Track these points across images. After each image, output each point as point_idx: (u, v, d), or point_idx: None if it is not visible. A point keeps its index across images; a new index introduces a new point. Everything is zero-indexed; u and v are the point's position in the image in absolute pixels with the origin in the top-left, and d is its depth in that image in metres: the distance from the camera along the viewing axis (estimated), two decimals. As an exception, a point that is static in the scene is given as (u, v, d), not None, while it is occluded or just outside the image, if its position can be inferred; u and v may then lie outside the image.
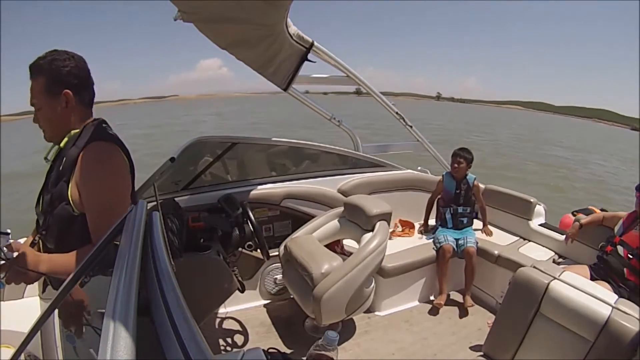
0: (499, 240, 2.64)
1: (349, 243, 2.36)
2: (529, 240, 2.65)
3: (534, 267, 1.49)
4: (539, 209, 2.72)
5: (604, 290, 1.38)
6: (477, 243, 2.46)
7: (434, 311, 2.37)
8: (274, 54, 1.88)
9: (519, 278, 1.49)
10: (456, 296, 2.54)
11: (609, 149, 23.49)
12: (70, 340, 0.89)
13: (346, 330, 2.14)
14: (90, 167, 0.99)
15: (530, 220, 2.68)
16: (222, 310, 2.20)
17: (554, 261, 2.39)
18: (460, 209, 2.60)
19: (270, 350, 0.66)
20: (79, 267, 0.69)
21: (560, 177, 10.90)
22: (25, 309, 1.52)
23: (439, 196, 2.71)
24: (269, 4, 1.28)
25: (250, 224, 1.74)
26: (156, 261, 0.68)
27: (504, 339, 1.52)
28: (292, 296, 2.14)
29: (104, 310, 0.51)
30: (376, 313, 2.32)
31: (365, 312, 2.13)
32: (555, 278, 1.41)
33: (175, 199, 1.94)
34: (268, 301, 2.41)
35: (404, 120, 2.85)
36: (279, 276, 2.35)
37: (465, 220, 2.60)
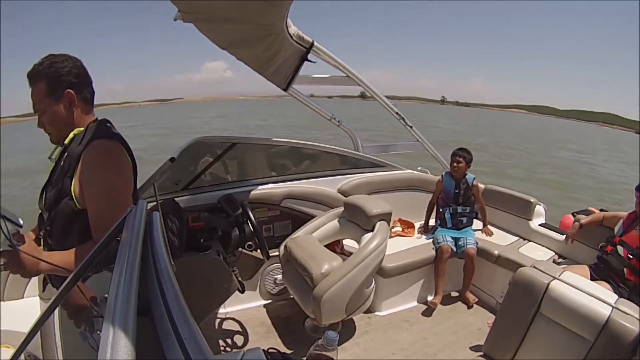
0: (499, 240, 2.64)
1: (349, 243, 2.36)
2: (529, 241, 2.65)
3: (534, 267, 1.49)
4: (539, 209, 2.72)
5: (604, 290, 1.38)
6: (477, 244, 2.46)
7: (433, 311, 2.37)
8: (274, 54, 1.87)
9: (519, 278, 1.49)
10: (456, 296, 2.54)
11: (613, 152, 23.44)
12: (69, 338, 0.89)
13: (346, 330, 2.13)
14: (93, 164, 1.00)
15: (530, 220, 2.68)
16: (222, 310, 2.20)
17: (554, 261, 2.39)
18: (459, 209, 2.60)
19: (270, 351, 0.66)
20: (80, 267, 0.69)
21: (562, 177, 10.90)
22: (25, 308, 1.53)
23: (439, 196, 2.71)
24: (268, 4, 1.28)
25: (250, 224, 1.74)
26: (156, 261, 0.68)
27: (504, 339, 1.52)
28: (292, 296, 2.14)
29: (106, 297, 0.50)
30: (376, 313, 2.32)
31: (365, 312, 2.13)
32: (555, 278, 1.41)
33: (175, 199, 1.94)
34: (268, 301, 2.41)
35: (404, 121, 2.85)
36: (279, 276, 2.35)
37: (464, 220, 2.60)
